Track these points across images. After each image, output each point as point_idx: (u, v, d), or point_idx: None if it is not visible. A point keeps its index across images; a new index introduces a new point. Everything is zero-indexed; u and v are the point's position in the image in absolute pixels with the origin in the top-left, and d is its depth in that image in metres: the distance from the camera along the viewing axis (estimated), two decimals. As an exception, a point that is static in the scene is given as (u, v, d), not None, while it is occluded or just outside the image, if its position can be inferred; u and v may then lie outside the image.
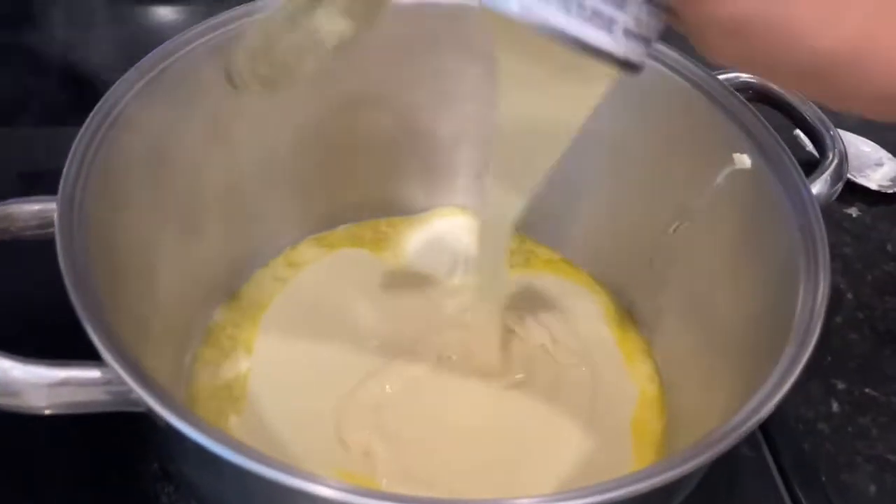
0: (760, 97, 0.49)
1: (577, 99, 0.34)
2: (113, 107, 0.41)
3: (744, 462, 0.48)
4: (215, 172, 0.48)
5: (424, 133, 0.56)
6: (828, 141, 0.48)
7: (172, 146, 0.44)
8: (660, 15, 0.28)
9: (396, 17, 0.50)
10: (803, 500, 0.47)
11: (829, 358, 0.55)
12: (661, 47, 0.46)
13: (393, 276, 0.55)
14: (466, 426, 0.47)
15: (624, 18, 0.27)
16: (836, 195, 0.45)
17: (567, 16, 0.26)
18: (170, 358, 0.46)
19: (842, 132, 0.49)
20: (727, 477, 0.47)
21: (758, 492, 0.47)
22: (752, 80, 0.48)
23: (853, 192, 0.65)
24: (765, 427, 0.49)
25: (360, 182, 0.56)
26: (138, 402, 0.32)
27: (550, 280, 0.55)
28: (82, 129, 0.40)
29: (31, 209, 0.38)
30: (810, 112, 0.49)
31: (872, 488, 0.49)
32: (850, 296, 0.59)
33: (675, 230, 0.49)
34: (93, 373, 0.32)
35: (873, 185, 0.66)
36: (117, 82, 0.42)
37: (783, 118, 0.50)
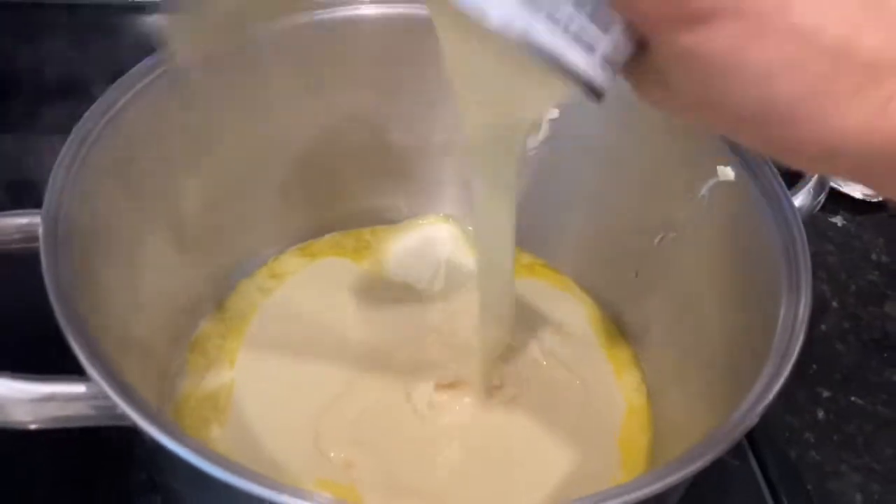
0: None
1: (531, 101, 0.33)
2: (99, 118, 0.41)
3: (730, 471, 0.49)
4: (201, 184, 0.48)
5: (408, 143, 0.56)
6: (811, 152, 0.48)
7: (158, 158, 0.44)
8: (631, 45, 0.27)
9: (379, 28, 0.51)
10: (789, 509, 0.47)
11: (815, 366, 0.55)
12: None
13: (375, 285, 0.55)
14: (451, 439, 0.47)
15: (603, 45, 0.26)
16: (818, 206, 0.45)
17: (551, 35, 0.25)
18: (155, 369, 0.46)
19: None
20: (714, 486, 0.47)
21: (744, 501, 0.48)
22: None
23: (837, 200, 0.65)
24: (751, 436, 0.50)
25: (343, 193, 0.56)
26: (124, 416, 0.32)
27: (533, 285, 0.55)
28: (67, 142, 0.39)
29: (16, 223, 0.37)
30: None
31: (858, 497, 0.49)
32: (835, 304, 0.60)
33: (660, 241, 0.50)
34: (78, 388, 0.32)
35: (857, 194, 0.66)
36: (104, 94, 0.42)
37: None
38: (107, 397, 0.32)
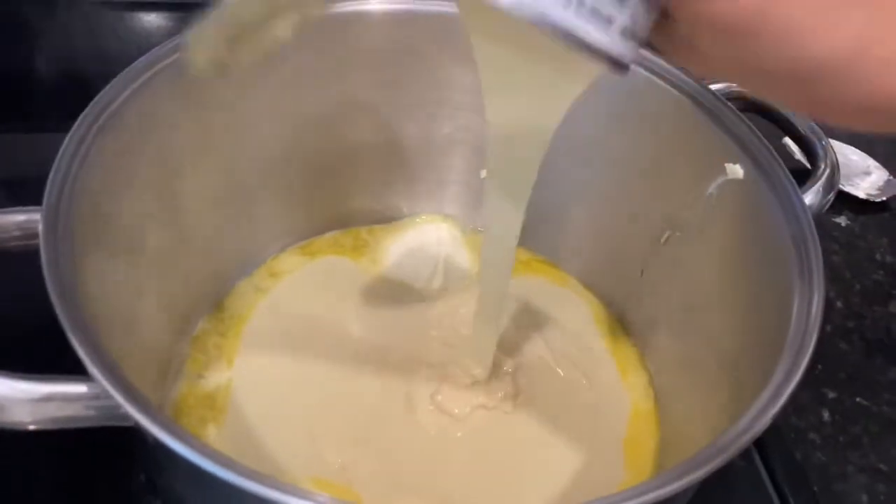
0: (752, 107, 0.49)
1: (557, 91, 0.33)
2: (100, 114, 0.40)
3: (736, 472, 0.48)
4: (201, 183, 0.47)
5: (408, 143, 0.55)
6: (819, 151, 0.48)
7: (160, 155, 0.44)
8: (653, 14, 0.27)
9: (382, 26, 0.50)
10: (795, 510, 0.47)
11: (820, 367, 0.55)
12: (654, 57, 0.46)
13: (374, 284, 0.55)
14: (452, 439, 0.47)
15: (622, 17, 0.26)
16: (828, 205, 0.45)
17: (564, 11, 0.25)
18: (155, 369, 0.45)
19: (830, 141, 0.49)
20: (719, 487, 0.47)
21: (750, 502, 0.47)
22: (744, 91, 0.48)
23: (841, 200, 0.65)
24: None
25: (343, 191, 0.56)
26: (126, 417, 0.31)
27: (533, 282, 0.55)
28: (68, 137, 0.39)
29: (14, 220, 0.37)
30: (802, 122, 0.49)
31: (864, 498, 0.49)
32: (839, 304, 0.59)
33: (666, 240, 0.49)
34: (79, 388, 0.32)
35: (861, 194, 0.66)
36: (105, 89, 0.41)
37: (774, 128, 0.50)
38: (109, 397, 0.31)
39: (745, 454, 0.49)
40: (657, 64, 0.47)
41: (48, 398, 0.32)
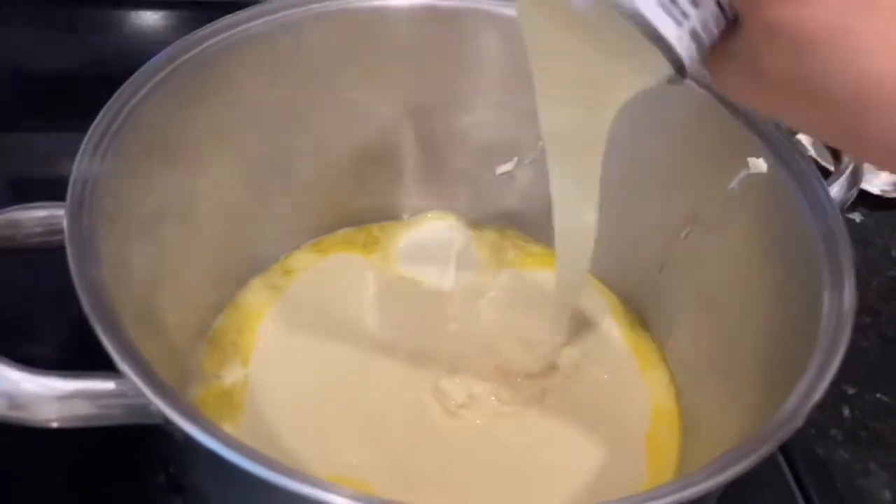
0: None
1: (612, 86, 0.33)
2: (120, 109, 0.40)
3: (758, 468, 0.48)
4: (218, 179, 0.47)
5: (422, 140, 0.55)
6: (842, 146, 0.47)
7: (179, 150, 0.44)
8: (722, 23, 0.27)
9: (399, 22, 0.50)
10: (820, 507, 0.47)
11: (838, 363, 0.54)
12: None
13: (386, 280, 0.54)
14: (470, 436, 0.47)
15: (695, 17, 0.26)
16: (851, 200, 0.45)
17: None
18: (178, 367, 0.45)
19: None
20: (741, 483, 0.46)
21: (773, 499, 0.47)
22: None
23: (856, 196, 0.65)
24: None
25: (358, 188, 0.56)
26: (154, 414, 0.31)
27: (551, 277, 0.54)
28: (88, 133, 0.39)
29: (36, 215, 0.37)
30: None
31: (888, 494, 0.48)
32: (855, 300, 0.59)
33: (686, 235, 0.49)
34: (107, 384, 0.31)
35: (875, 190, 0.66)
36: (125, 84, 0.41)
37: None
38: (137, 394, 0.31)
39: (767, 451, 0.48)
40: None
41: (74, 395, 0.31)
